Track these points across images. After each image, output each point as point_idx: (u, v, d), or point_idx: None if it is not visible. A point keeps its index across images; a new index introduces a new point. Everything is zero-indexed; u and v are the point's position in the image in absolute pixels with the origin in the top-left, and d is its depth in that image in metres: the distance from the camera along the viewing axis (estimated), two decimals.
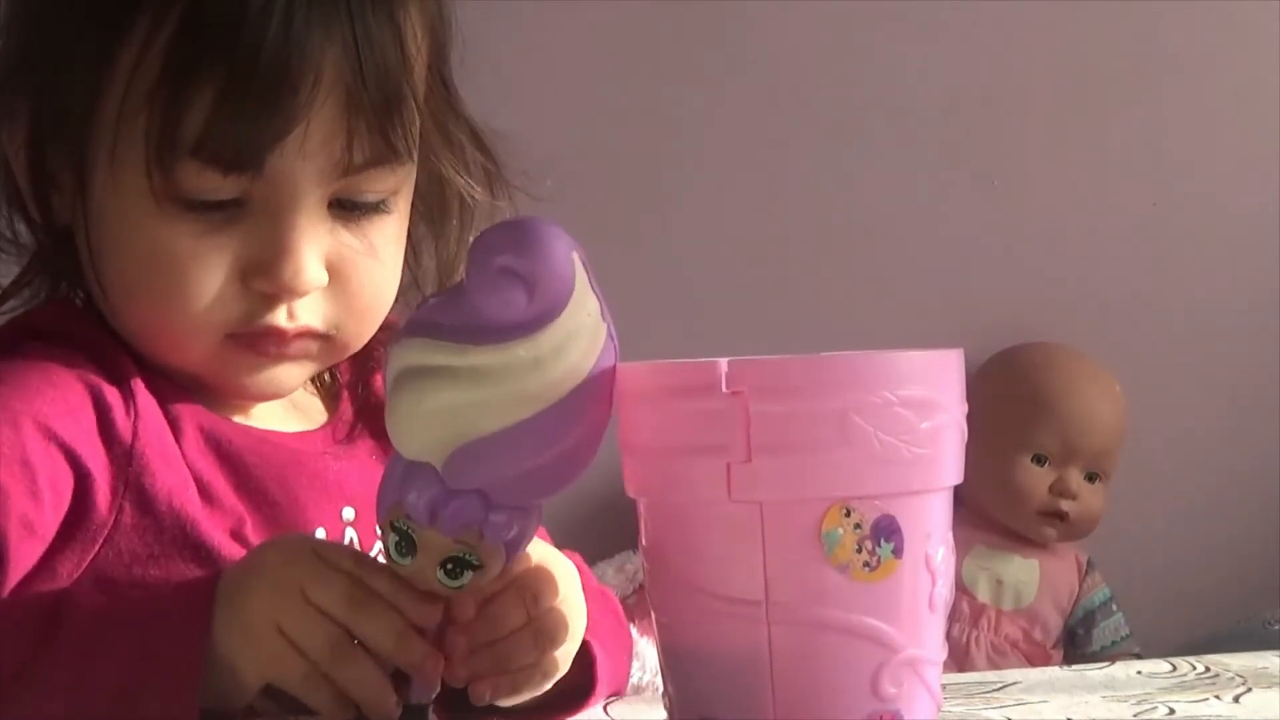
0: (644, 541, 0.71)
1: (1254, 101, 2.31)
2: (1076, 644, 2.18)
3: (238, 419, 0.90)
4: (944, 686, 0.86)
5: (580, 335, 0.67)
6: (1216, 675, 0.90)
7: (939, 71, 2.25)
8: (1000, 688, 0.88)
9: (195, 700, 0.70)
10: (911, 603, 0.67)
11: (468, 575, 0.70)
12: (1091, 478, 2.17)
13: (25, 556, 0.79)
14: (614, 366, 0.69)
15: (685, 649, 0.69)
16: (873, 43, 2.24)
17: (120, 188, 0.82)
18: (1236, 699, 0.84)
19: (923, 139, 2.25)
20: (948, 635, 2.26)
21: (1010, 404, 2.17)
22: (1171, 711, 0.81)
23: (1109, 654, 2.15)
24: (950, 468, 0.67)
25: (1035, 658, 2.11)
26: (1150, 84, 2.29)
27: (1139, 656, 2.06)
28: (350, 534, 0.89)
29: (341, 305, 0.86)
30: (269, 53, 0.79)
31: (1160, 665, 0.94)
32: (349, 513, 0.90)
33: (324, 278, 0.84)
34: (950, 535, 0.69)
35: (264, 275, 0.83)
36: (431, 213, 0.92)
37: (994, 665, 2.07)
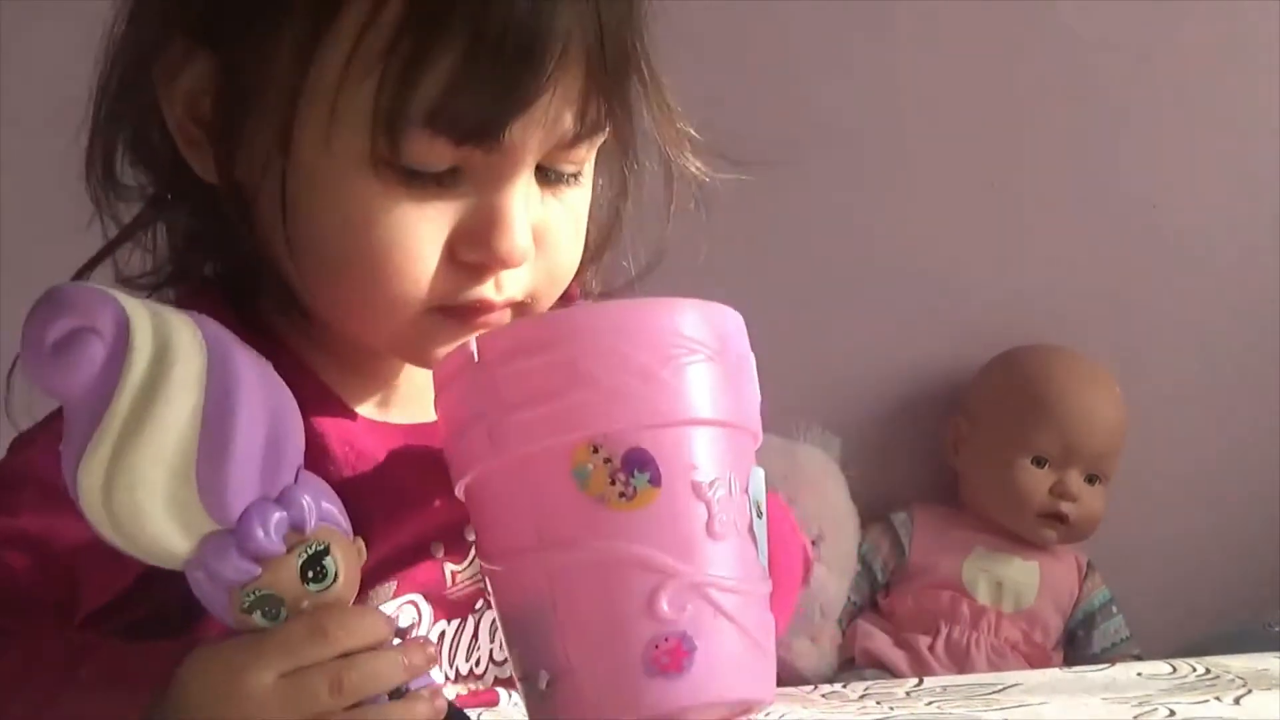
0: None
1: (1254, 101, 2.31)
2: (1077, 646, 2.18)
3: (378, 413, 0.88)
4: (942, 689, 0.86)
5: (164, 316, 0.67)
6: (1217, 677, 0.90)
7: (939, 72, 2.25)
8: (1001, 689, 0.88)
9: None
10: (684, 528, 0.70)
11: (327, 561, 0.68)
12: (1092, 480, 2.17)
13: (104, 580, 0.77)
14: (215, 322, 0.69)
15: (500, 613, 0.74)
16: (873, 44, 2.24)
17: (334, 150, 0.77)
18: (1237, 701, 0.84)
19: (923, 141, 2.25)
20: (947, 637, 2.25)
21: (1010, 406, 2.17)
22: (1172, 713, 0.80)
23: (1109, 656, 2.15)
24: (702, 403, 0.71)
25: (1035, 659, 2.11)
26: (1150, 84, 2.29)
27: (1139, 658, 2.06)
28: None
29: (541, 274, 0.83)
30: (520, 18, 0.75)
31: (1160, 667, 0.94)
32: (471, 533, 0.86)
33: (533, 249, 0.81)
34: (747, 469, 0.73)
35: (478, 246, 0.79)
36: (615, 162, 0.90)
37: (994, 667, 2.06)
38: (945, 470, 2.25)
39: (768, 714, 0.84)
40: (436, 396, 0.75)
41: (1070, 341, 2.22)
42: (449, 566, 0.87)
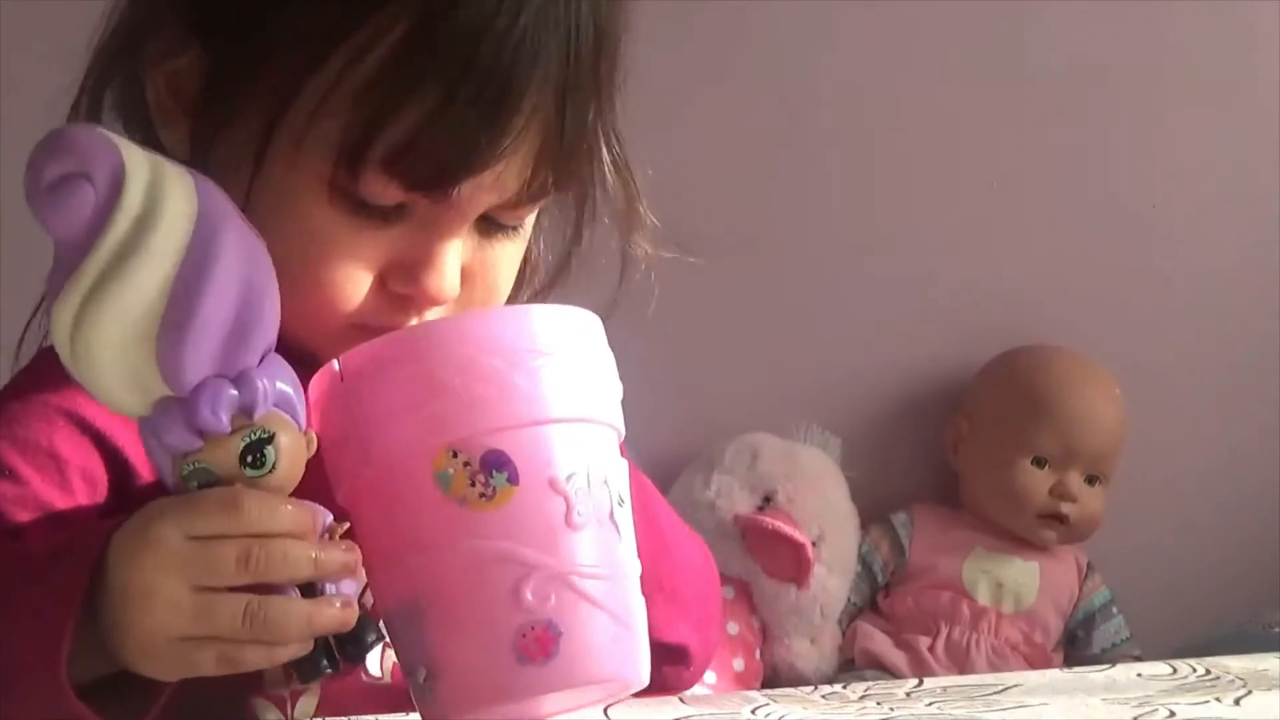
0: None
1: (1254, 101, 2.31)
2: (1077, 646, 2.18)
3: None
4: (942, 689, 0.86)
5: (165, 179, 0.68)
6: (1217, 678, 0.90)
7: (940, 73, 2.25)
8: (1001, 690, 0.88)
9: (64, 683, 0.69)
10: (543, 522, 0.72)
11: (268, 450, 0.70)
12: (1091, 480, 2.17)
13: None
14: (220, 195, 0.71)
15: (382, 616, 0.76)
16: (874, 44, 2.24)
17: (298, 169, 0.82)
18: (1237, 701, 0.84)
19: (923, 140, 2.25)
20: (947, 638, 2.25)
21: (1010, 406, 2.17)
22: (1172, 714, 0.80)
23: (1109, 656, 2.15)
24: (555, 402, 0.73)
25: (1035, 660, 2.11)
26: (1150, 84, 2.29)
27: (1139, 659, 2.06)
28: None
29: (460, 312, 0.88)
30: (493, 87, 0.79)
31: (1161, 667, 0.93)
32: None
33: (458, 290, 0.85)
34: (607, 462, 0.75)
35: (409, 281, 0.84)
36: (578, 220, 0.94)
37: (994, 668, 2.06)
38: (945, 470, 2.25)
39: (768, 714, 0.84)
40: (310, 417, 0.75)
41: (1070, 341, 2.23)
42: None
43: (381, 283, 0.84)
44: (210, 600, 0.68)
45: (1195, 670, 0.92)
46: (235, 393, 0.69)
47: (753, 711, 0.84)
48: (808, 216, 2.24)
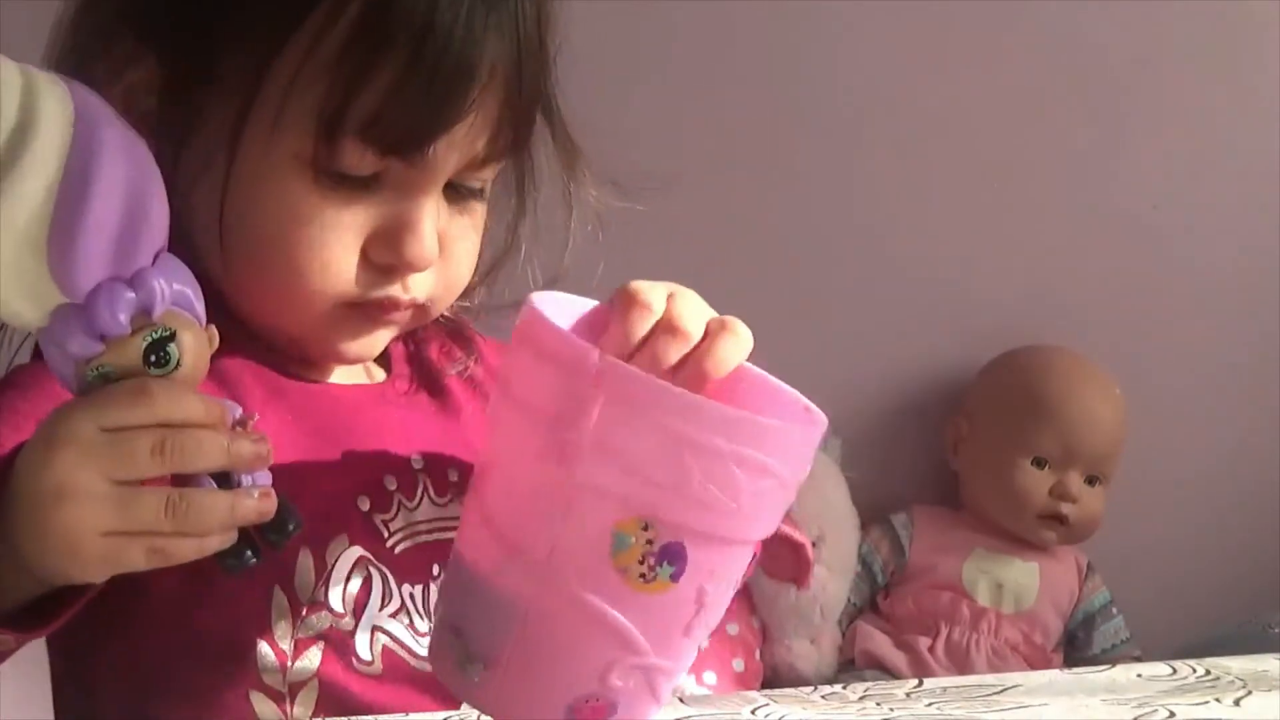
0: (485, 439, 0.77)
1: (1254, 101, 2.31)
2: (1077, 647, 2.18)
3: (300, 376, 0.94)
4: (942, 690, 0.86)
5: (38, 87, 0.67)
6: (1217, 678, 0.90)
7: (939, 73, 2.25)
8: (1001, 690, 0.88)
9: None
10: (670, 622, 0.72)
11: (171, 348, 0.69)
12: (1092, 481, 2.17)
13: None
14: (95, 99, 0.69)
15: (461, 558, 0.75)
16: (873, 44, 2.24)
17: (274, 152, 0.84)
18: (1237, 702, 0.84)
19: (923, 141, 2.25)
20: (947, 638, 2.25)
21: (1010, 407, 2.17)
22: (1172, 715, 0.80)
23: (1109, 657, 2.15)
24: (759, 527, 0.73)
25: (1035, 661, 2.11)
26: (1150, 84, 2.29)
27: (1139, 659, 2.06)
28: (422, 481, 0.94)
29: (440, 280, 0.91)
30: (455, 46, 0.83)
31: (1160, 668, 0.93)
32: (418, 461, 0.94)
33: (438, 255, 0.89)
34: (738, 578, 0.75)
35: (390, 250, 0.87)
36: (520, 190, 0.98)
37: (994, 668, 2.06)
38: (945, 471, 2.25)
39: (768, 714, 0.84)
40: (517, 346, 0.74)
41: (1070, 342, 2.23)
42: (378, 518, 0.92)
43: (364, 256, 0.87)
44: (131, 494, 0.68)
45: (1195, 671, 0.92)
46: (132, 294, 0.68)
47: (753, 712, 0.84)
48: (807, 217, 2.24)
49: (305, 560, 0.88)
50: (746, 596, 2.11)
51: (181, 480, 0.70)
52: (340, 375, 0.97)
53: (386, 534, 0.92)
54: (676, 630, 0.73)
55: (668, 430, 0.69)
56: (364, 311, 0.90)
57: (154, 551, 0.69)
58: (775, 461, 0.71)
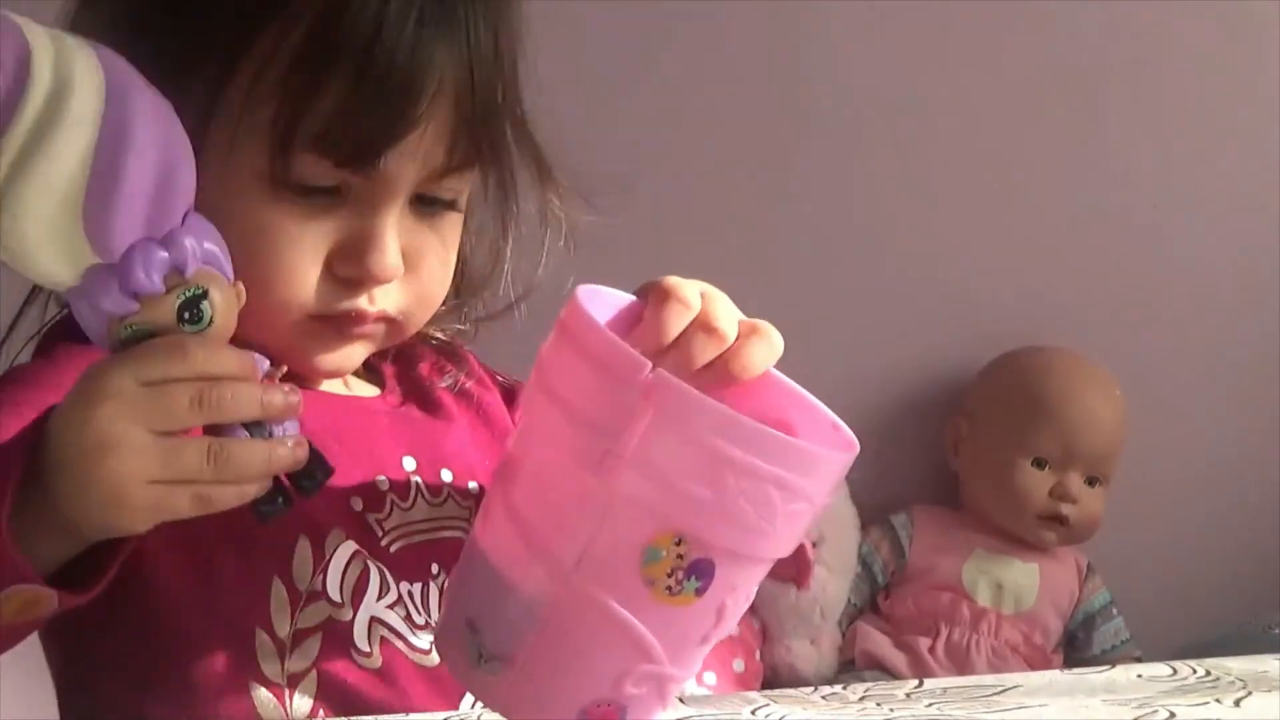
0: (516, 432, 0.77)
1: (1254, 102, 2.31)
2: (1077, 647, 2.18)
3: None
4: (944, 690, 0.86)
5: (69, 52, 0.69)
6: (1217, 679, 0.90)
7: (940, 73, 2.25)
8: (1001, 691, 0.88)
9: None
10: (689, 634, 0.73)
11: (204, 305, 0.72)
12: (1092, 481, 2.16)
13: None
14: (124, 63, 0.71)
15: (484, 554, 0.75)
16: (873, 44, 2.24)
17: (235, 169, 0.86)
18: (1237, 703, 0.84)
19: (923, 140, 2.25)
20: (947, 639, 2.25)
21: (1010, 407, 2.17)
22: (1172, 715, 0.80)
23: (1109, 657, 2.15)
24: (785, 547, 0.73)
25: (1035, 661, 2.11)
26: (1150, 84, 2.29)
27: (1139, 660, 2.06)
28: (415, 481, 0.95)
29: (411, 293, 0.92)
30: (401, 57, 0.84)
31: (1161, 669, 0.93)
32: (410, 463, 0.96)
33: (402, 268, 0.90)
34: (753, 589, 0.75)
35: (352, 263, 0.89)
36: (495, 206, 0.99)
37: (994, 669, 2.06)
38: (945, 471, 2.25)
39: (768, 715, 0.84)
40: (561, 342, 0.74)
41: (1070, 342, 2.22)
42: (371, 517, 0.93)
43: (329, 270, 0.89)
44: (175, 443, 0.70)
45: (1195, 671, 0.92)
46: (165, 253, 0.71)
47: (753, 712, 0.84)
48: (807, 217, 2.24)
49: (304, 548, 0.89)
50: None
51: (214, 431, 0.72)
52: (331, 388, 0.98)
53: (380, 533, 0.93)
54: (693, 641, 0.74)
55: (712, 449, 0.69)
56: (333, 325, 0.91)
57: (198, 498, 0.71)
58: (812, 486, 0.72)
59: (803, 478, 0.71)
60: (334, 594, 0.89)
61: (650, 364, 0.70)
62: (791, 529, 0.73)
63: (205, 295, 0.72)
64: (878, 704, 0.86)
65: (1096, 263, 2.29)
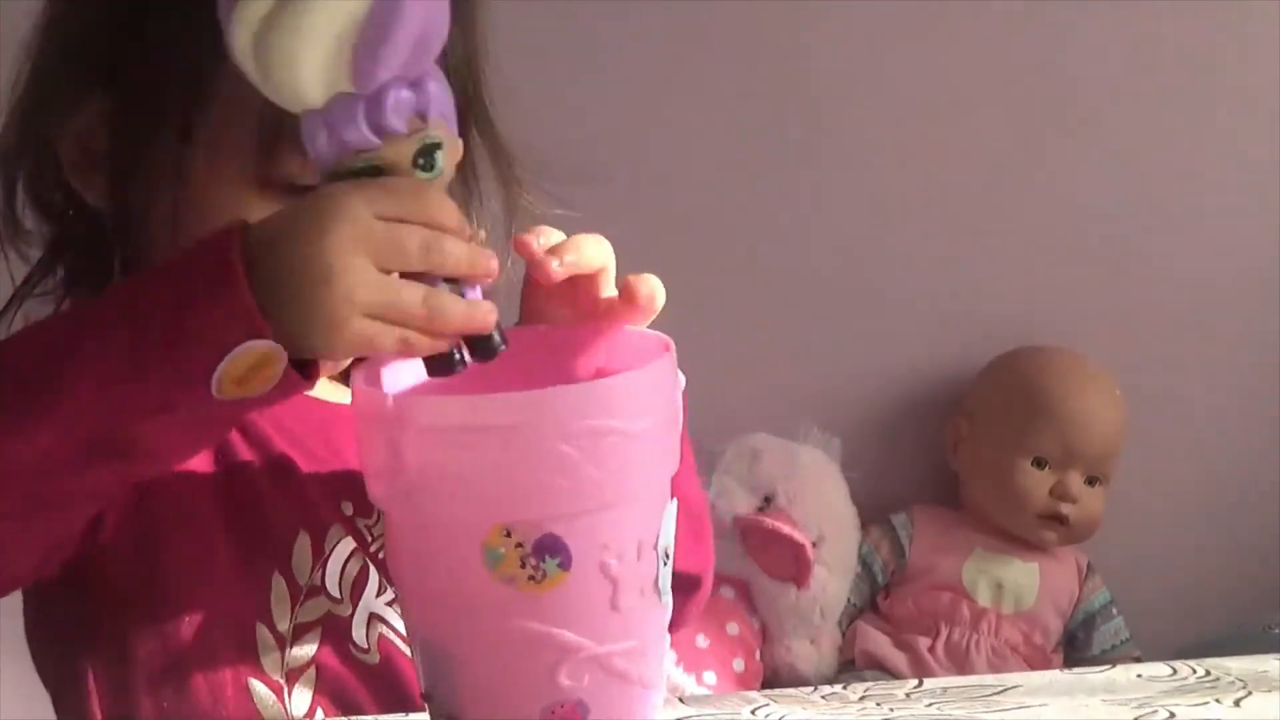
0: None
1: (1254, 102, 2.31)
2: (1077, 647, 2.18)
3: None
4: (942, 690, 0.86)
5: None
6: (1217, 679, 0.90)
7: (940, 74, 2.25)
8: (1000, 691, 0.88)
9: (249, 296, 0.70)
10: (589, 606, 0.72)
11: (438, 155, 0.73)
12: (1092, 481, 2.16)
13: None
14: None
15: (408, 631, 0.77)
16: (872, 43, 2.24)
17: (222, 169, 0.86)
18: (1237, 703, 0.84)
19: (923, 142, 2.25)
20: (947, 639, 2.24)
21: (1010, 407, 2.17)
22: (1172, 715, 0.80)
23: (1109, 657, 2.15)
24: (622, 483, 0.71)
25: (1035, 661, 2.11)
26: (1149, 84, 2.29)
27: (1139, 660, 2.06)
28: None
29: None
30: None
31: (1160, 669, 0.93)
32: None
33: None
34: (659, 522, 0.74)
35: None
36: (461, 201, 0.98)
37: (994, 669, 2.06)
38: (945, 471, 2.25)
39: (768, 714, 0.84)
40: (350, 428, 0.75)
41: (1070, 342, 2.22)
42: (360, 522, 0.93)
43: None
44: (399, 284, 0.71)
45: (1195, 671, 0.92)
46: (413, 96, 0.71)
47: (753, 712, 0.84)
48: (807, 217, 2.23)
49: (304, 542, 0.89)
50: (747, 597, 2.11)
51: (423, 281, 0.72)
52: (319, 393, 0.96)
53: (370, 538, 0.93)
54: (601, 611, 0.72)
55: (476, 437, 0.69)
56: None
57: (404, 341, 0.72)
58: (602, 421, 0.70)
59: (582, 419, 0.69)
60: (333, 589, 0.90)
61: (389, 395, 0.73)
62: (611, 467, 0.70)
63: (440, 146, 0.73)
64: (878, 704, 0.86)
65: (1096, 263, 2.29)
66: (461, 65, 0.90)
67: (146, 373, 0.71)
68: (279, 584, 0.89)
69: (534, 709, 0.72)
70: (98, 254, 0.93)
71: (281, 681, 0.88)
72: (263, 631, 0.88)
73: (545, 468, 0.69)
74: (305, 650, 0.89)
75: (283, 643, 0.88)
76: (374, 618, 0.91)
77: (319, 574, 0.89)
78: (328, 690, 0.89)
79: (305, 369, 0.74)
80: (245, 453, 0.91)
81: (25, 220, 0.94)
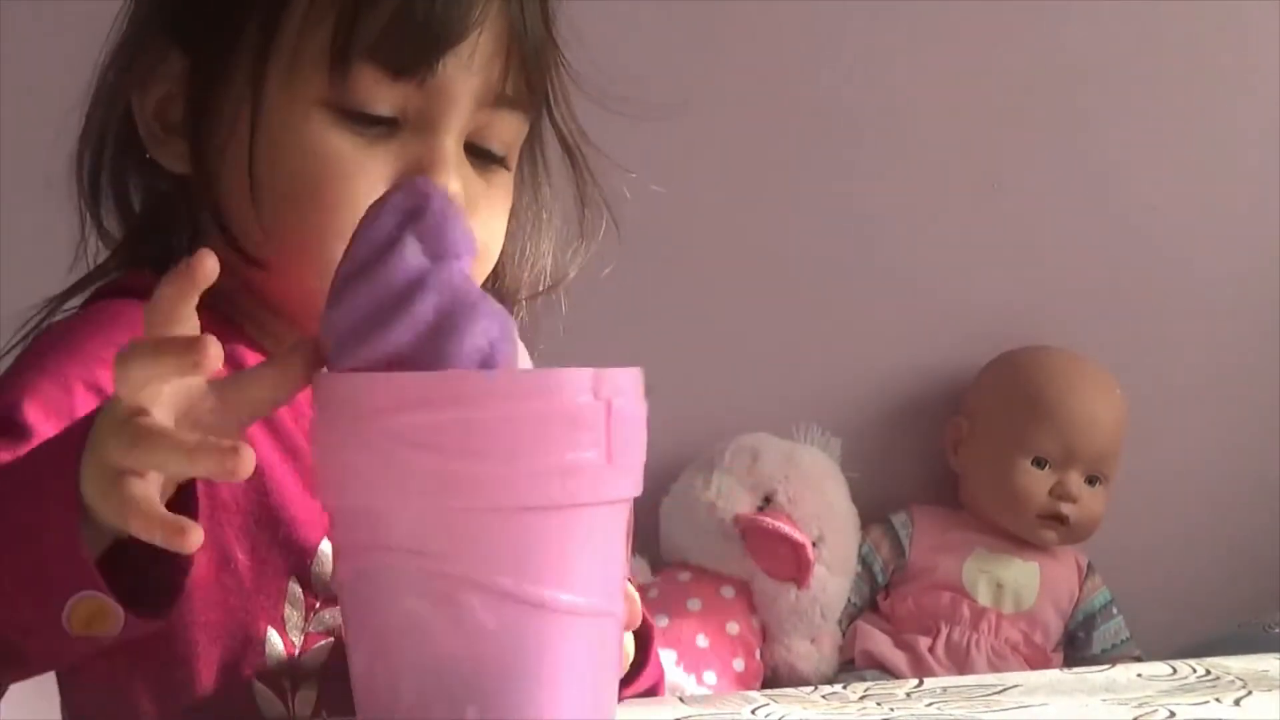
0: None
1: (1254, 101, 2.31)
2: (1077, 647, 2.18)
3: None
4: (942, 690, 0.86)
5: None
6: (1217, 678, 0.90)
7: (939, 74, 2.25)
8: (1001, 690, 0.88)
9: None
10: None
11: None
12: (1092, 481, 2.17)
13: None
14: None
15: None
16: (873, 45, 2.24)
17: (295, 98, 0.86)
18: (1237, 702, 0.84)
19: (923, 141, 2.25)
20: (947, 638, 2.25)
21: (1010, 407, 2.17)
22: (1172, 714, 0.80)
23: (1109, 657, 2.15)
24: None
25: (1035, 661, 2.11)
26: (1149, 84, 2.29)
27: (1139, 659, 2.06)
28: None
29: None
30: None
31: (1161, 668, 0.93)
32: None
33: (463, 197, 0.88)
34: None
35: None
36: (529, 187, 0.99)
37: (994, 668, 2.06)
38: (945, 471, 2.25)
39: (768, 714, 0.84)
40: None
41: (1070, 342, 2.23)
42: None
43: None
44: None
45: (1195, 671, 0.92)
46: None
47: (753, 712, 0.84)
48: (808, 217, 2.24)
49: (325, 552, 0.89)
50: (747, 596, 2.11)
51: None
52: None
53: None
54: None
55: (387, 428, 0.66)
56: None
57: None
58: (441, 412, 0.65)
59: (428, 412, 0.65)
60: None
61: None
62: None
63: None
64: (878, 703, 0.86)
65: (1096, 263, 2.29)
66: (534, 54, 0.90)
67: (15, 600, 0.69)
68: (295, 592, 0.88)
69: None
70: (169, 236, 0.94)
71: (287, 687, 0.88)
72: (273, 638, 0.87)
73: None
74: (315, 660, 0.88)
75: (292, 650, 0.88)
76: None
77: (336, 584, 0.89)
78: (331, 699, 0.88)
79: (171, 595, 0.71)
80: (277, 457, 0.90)
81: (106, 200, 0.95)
